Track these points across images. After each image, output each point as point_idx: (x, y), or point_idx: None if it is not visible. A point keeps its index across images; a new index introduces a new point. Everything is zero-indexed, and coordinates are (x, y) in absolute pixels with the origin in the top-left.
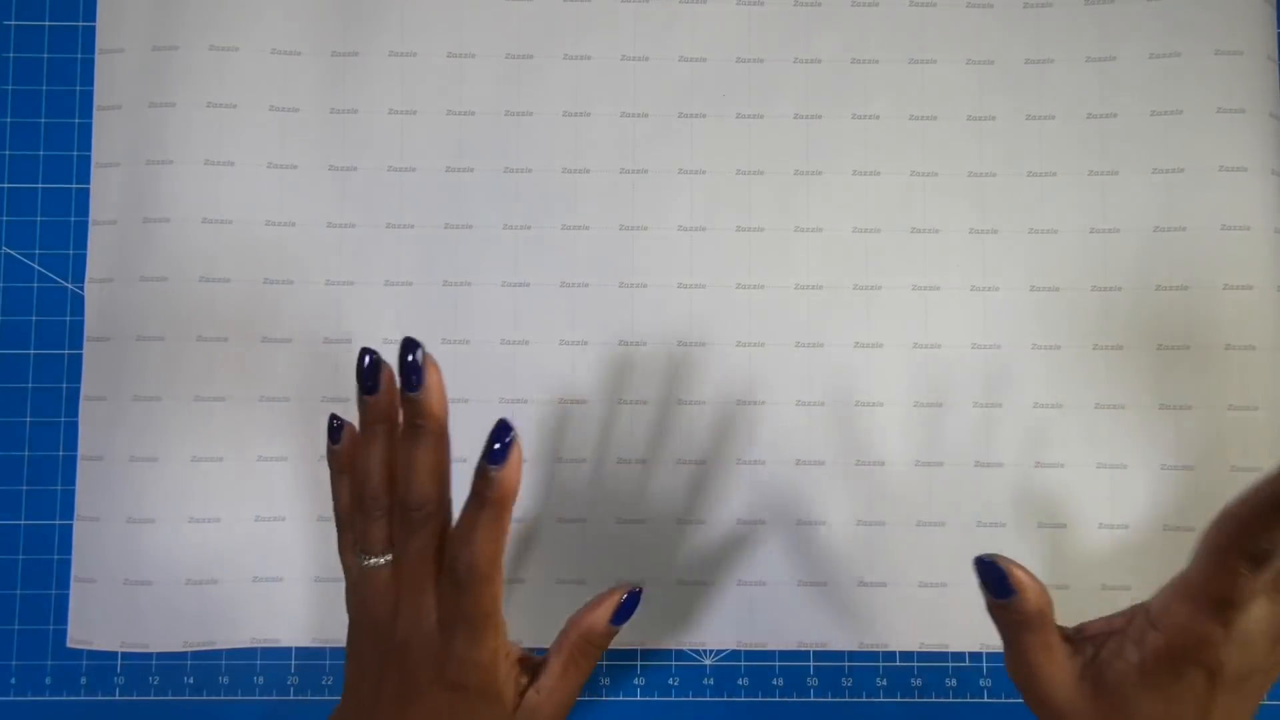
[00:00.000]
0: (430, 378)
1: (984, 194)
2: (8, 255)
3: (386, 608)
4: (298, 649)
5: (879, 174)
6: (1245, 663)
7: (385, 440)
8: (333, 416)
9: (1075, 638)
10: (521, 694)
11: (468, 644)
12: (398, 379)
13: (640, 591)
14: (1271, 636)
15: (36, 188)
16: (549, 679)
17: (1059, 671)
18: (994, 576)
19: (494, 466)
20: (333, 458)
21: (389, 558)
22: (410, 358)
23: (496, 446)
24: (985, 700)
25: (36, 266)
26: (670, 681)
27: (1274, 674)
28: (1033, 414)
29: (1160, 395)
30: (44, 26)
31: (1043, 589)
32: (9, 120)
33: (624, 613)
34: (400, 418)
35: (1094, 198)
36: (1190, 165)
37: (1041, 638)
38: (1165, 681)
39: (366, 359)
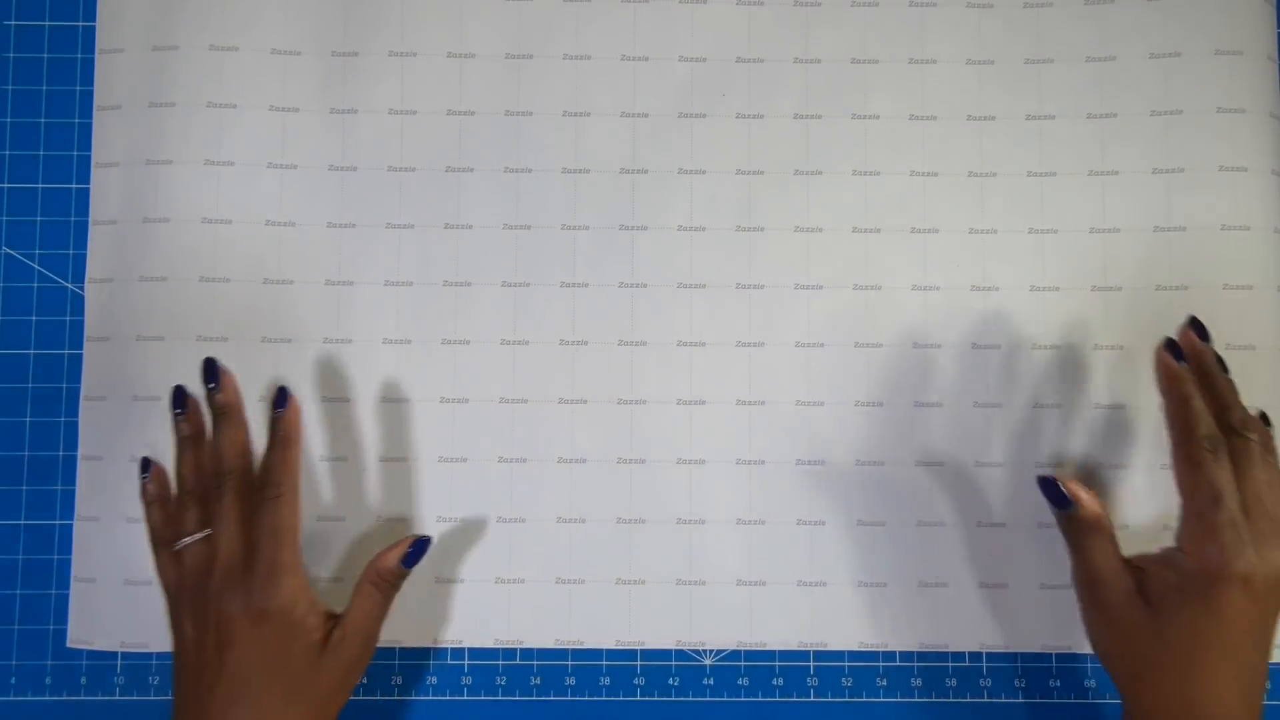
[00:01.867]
0: (224, 379)
1: (984, 194)
2: (8, 255)
3: (204, 572)
4: None
5: (879, 174)
6: (1267, 565)
7: (192, 448)
8: (144, 459)
9: (1128, 560)
10: (328, 634)
11: (268, 564)
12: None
13: (429, 539)
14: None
15: (36, 188)
16: (349, 614)
17: (1116, 577)
18: (1052, 491)
19: (280, 410)
20: (146, 492)
21: (206, 531)
22: (214, 372)
23: (279, 400)
24: (985, 700)
25: (36, 266)
26: (670, 681)
27: None
28: (1033, 414)
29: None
30: (44, 26)
31: (1097, 499)
32: (9, 120)
33: (412, 557)
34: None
35: (1094, 198)
36: (1190, 165)
37: (1099, 542)
38: (1198, 594)
39: (182, 396)
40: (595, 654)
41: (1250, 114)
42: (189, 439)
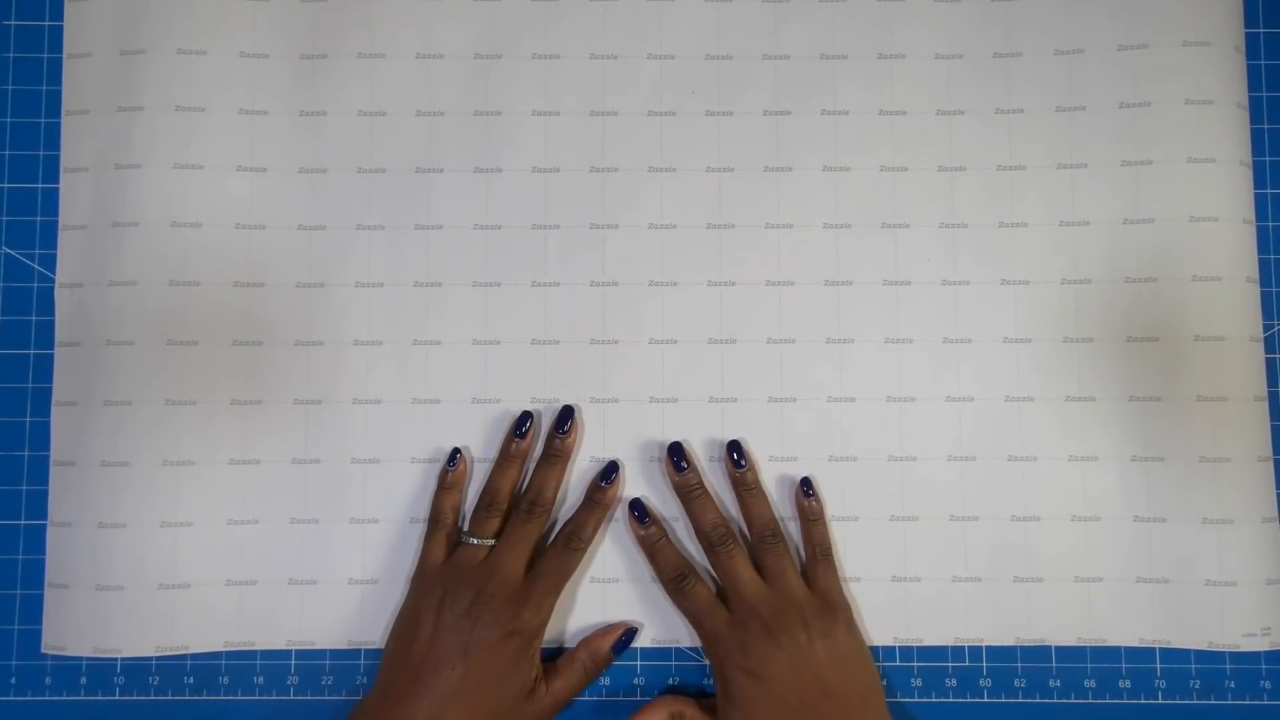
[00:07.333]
0: (575, 429)
1: (954, 188)
2: (8, 255)
3: (481, 574)
4: (297, 651)
5: (849, 169)
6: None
7: (517, 467)
8: (455, 449)
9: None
10: (535, 683)
11: (540, 598)
12: (546, 427)
13: (636, 631)
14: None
15: (36, 188)
16: (556, 679)
17: None
18: None
19: (606, 484)
20: (445, 477)
21: (493, 541)
22: (569, 419)
23: (608, 472)
24: (985, 700)
25: (36, 267)
26: (670, 681)
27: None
28: (1005, 407)
29: (1130, 387)
30: (44, 26)
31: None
32: (9, 120)
33: (621, 645)
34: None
35: (1063, 191)
36: (1158, 157)
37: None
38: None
39: (528, 419)
40: None
41: (1218, 105)
42: (516, 459)
